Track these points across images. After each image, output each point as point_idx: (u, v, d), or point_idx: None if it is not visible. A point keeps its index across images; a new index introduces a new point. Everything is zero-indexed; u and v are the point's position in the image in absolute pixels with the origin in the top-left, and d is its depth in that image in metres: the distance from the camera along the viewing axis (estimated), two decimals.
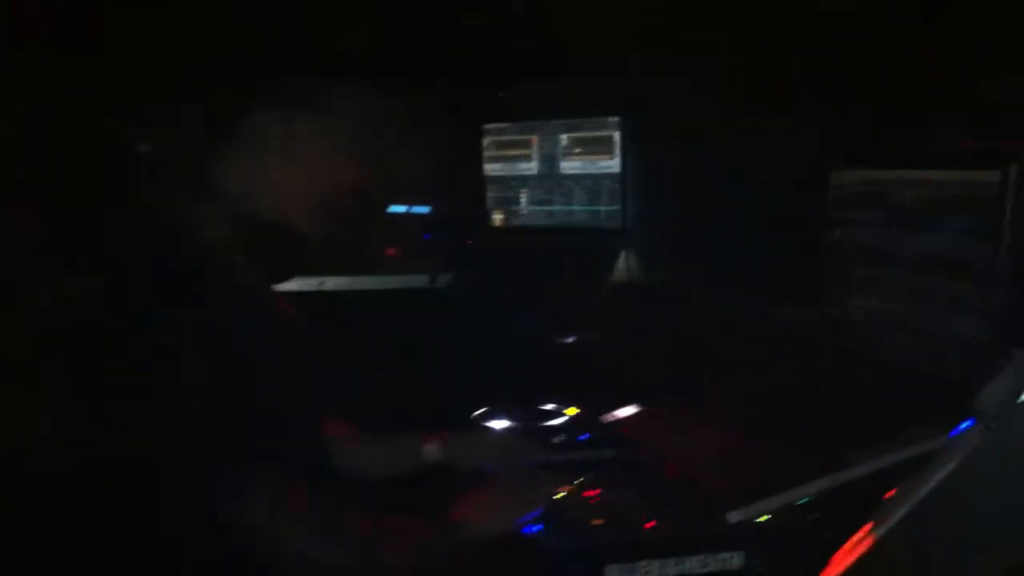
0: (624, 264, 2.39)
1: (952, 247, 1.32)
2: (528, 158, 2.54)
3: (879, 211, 1.47)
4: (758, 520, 1.14)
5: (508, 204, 2.59)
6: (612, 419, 1.92)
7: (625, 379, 1.99)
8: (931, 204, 1.36)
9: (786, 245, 1.78)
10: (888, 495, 0.84)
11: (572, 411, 2.01)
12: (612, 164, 2.39)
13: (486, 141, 2.59)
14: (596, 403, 1.95)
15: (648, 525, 1.41)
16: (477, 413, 1.97)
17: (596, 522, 1.45)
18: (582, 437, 1.87)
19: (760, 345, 1.70)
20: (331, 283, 2.50)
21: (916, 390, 1.27)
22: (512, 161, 2.57)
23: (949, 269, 1.31)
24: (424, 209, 2.93)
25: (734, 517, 1.10)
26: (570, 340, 2.27)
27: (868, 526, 0.77)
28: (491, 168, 2.60)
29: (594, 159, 2.42)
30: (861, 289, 1.52)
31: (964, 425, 0.79)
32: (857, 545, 0.79)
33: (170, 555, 1.07)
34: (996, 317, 1.20)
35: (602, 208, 2.41)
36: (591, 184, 2.43)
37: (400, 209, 2.89)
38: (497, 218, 2.61)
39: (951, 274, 1.31)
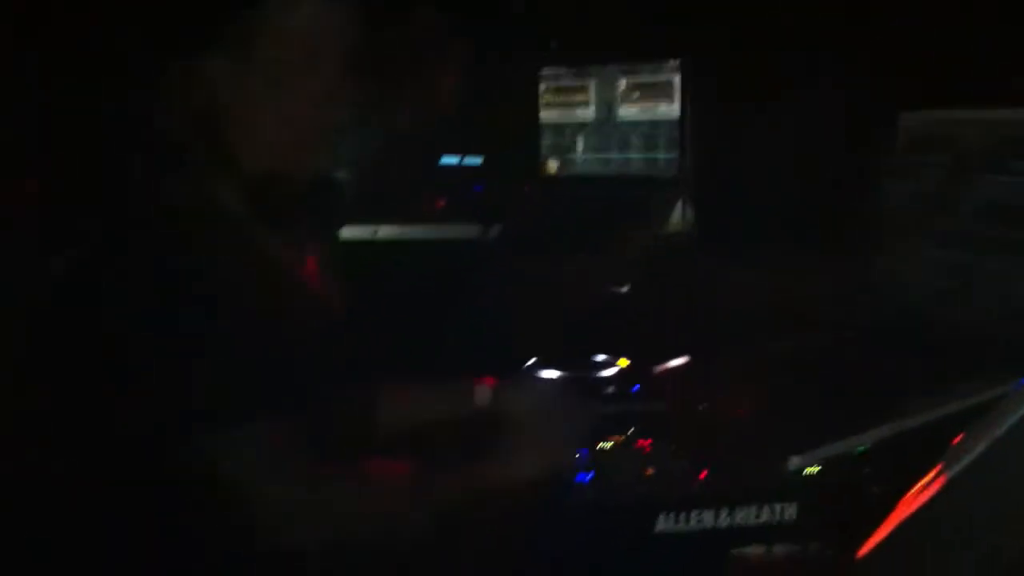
0: (680, 214, 2.33)
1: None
2: (585, 104, 2.48)
3: (946, 155, 1.40)
4: (812, 472, 1.10)
5: (564, 152, 2.54)
6: (664, 371, 1.90)
7: (677, 332, 1.95)
8: (1003, 145, 1.30)
9: (848, 194, 1.72)
10: (956, 441, 0.80)
11: (623, 363, 1.99)
12: (671, 110, 2.33)
13: (542, 87, 2.54)
14: (648, 355, 1.92)
15: (700, 476, 1.39)
16: (528, 364, 1.95)
17: (647, 472, 1.43)
18: (634, 388, 1.85)
19: (817, 298, 1.65)
20: (384, 232, 2.49)
21: (982, 344, 1.22)
22: (568, 107, 2.52)
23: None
24: (476, 160, 2.90)
25: (788, 467, 1.07)
26: (624, 291, 2.23)
27: (938, 468, 0.74)
28: (547, 115, 2.56)
29: (652, 105, 2.36)
30: (927, 238, 1.45)
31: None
32: (926, 488, 0.76)
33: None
34: None
35: (660, 156, 2.36)
36: (649, 131, 2.37)
37: (453, 160, 2.87)
38: (552, 166, 2.57)
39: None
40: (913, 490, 0.81)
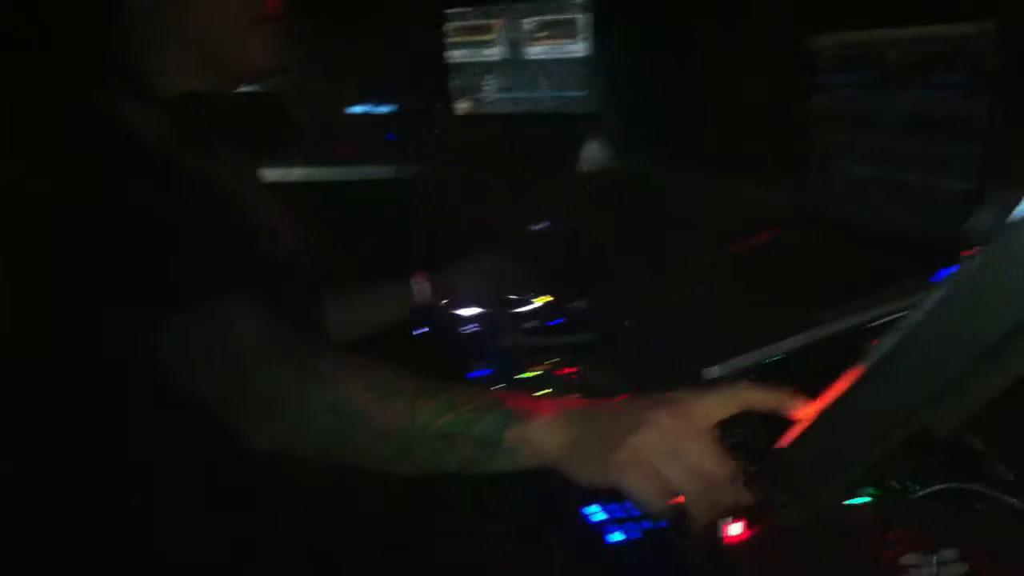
0: (593, 150, 2.34)
1: (939, 105, 1.28)
2: (492, 43, 2.46)
3: (860, 74, 1.43)
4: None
5: (473, 92, 2.52)
6: (584, 302, 1.91)
7: (597, 263, 1.97)
8: (916, 63, 1.32)
9: (764, 119, 1.74)
10: (875, 343, 0.82)
11: (545, 298, 2.00)
12: (578, 48, 2.32)
13: (449, 27, 2.51)
14: (568, 288, 1.93)
15: (622, 398, 1.41)
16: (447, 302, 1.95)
17: (568, 398, 1.45)
18: (556, 321, 1.86)
19: (734, 219, 1.67)
20: (297, 174, 2.46)
21: (897, 252, 1.25)
22: (476, 47, 2.49)
23: (936, 128, 1.27)
24: (387, 108, 2.86)
25: (708, 375, 1.09)
26: (540, 228, 2.23)
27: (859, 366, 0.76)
28: (454, 55, 2.53)
29: (560, 43, 2.35)
30: (844, 155, 1.48)
31: (947, 271, 0.77)
32: (845, 380, 0.78)
33: None
34: (985, 173, 1.17)
35: (569, 94, 2.35)
36: (557, 69, 2.36)
37: (361, 109, 2.83)
38: (462, 107, 2.54)
39: (938, 133, 1.28)
40: (832, 386, 0.83)
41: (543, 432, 0.89)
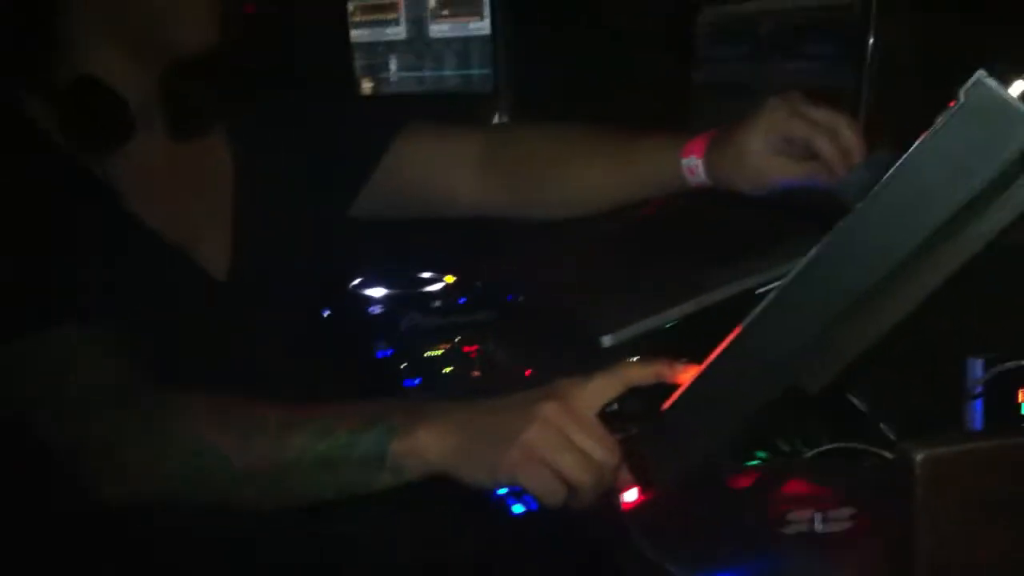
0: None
1: (818, 75, 1.31)
2: (395, 22, 2.44)
3: (744, 45, 1.46)
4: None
5: (377, 71, 2.50)
6: (484, 280, 1.92)
7: (499, 241, 1.98)
8: (795, 33, 1.36)
9: (660, 94, 1.77)
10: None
11: (449, 278, 2.01)
12: (482, 26, 2.31)
13: (351, 6, 2.48)
14: (471, 267, 1.94)
15: (527, 374, 1.42)
16: (354, 283, 1.94)
17: (474, 374, 1.46)
18: (460, 300, 1.86)
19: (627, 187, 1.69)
20: None
21: (778, 217, 1.28)
22: (379, 26, 2.47)
23: (813, 97, 1.31)
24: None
25: (605, 342, 1.10)
26: None
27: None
28: (357, 34, 2.50)
29: (463, 20, 2.34)
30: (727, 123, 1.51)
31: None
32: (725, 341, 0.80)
33: None
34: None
35: (474, 72, 2.35)
36: (461, 48, 2.35)
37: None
38: (366, 86, 2.52)
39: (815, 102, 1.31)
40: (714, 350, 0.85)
41: (428, 442, 0.86)
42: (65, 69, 1.05)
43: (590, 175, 1.25)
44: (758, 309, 0.75)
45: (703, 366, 0.82)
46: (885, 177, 0.68)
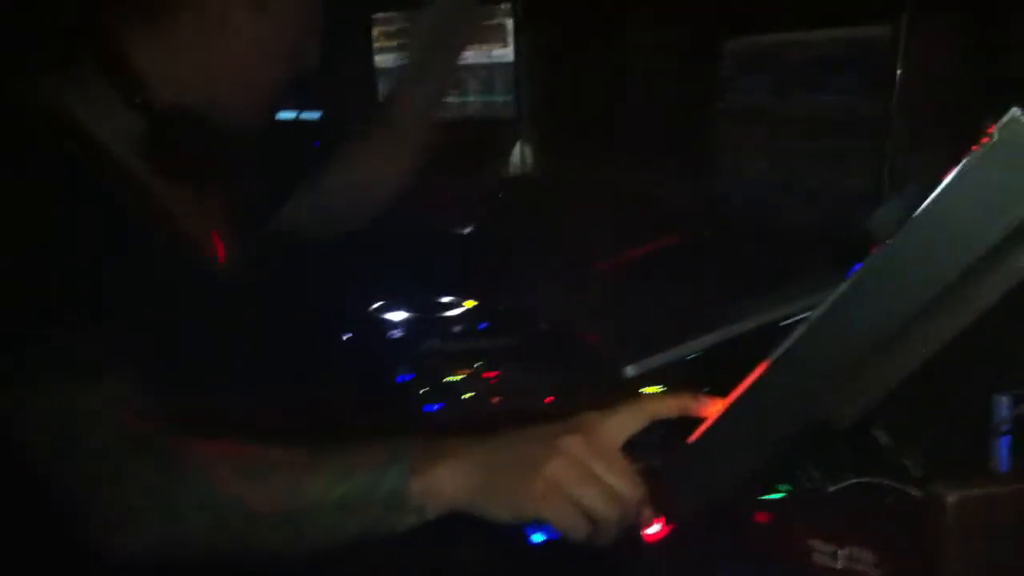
0: (519, 154, 2.35)
1: (842, 106, 1.31)
2: None
3: (768, 76, 1.46)
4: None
5: None
6: (508, 307, 1.92)
7: (521, 268, 1.98)
8: (819, 64, 1.35)
9: (684, 123, 1.77)
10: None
11: (469, 303, 2.01)
12: (506, 53, 2.33)
13: (375, 31, 2.50)
14: (493, 293, 1.94)
15: (547, 400, 1.41)
16: (374, 307, 1.94)
17: (493, 400, 1.45)
18: (480, 326, 1.86)
19: (651, 220, 1.69)
20: None
21: (805, 250, 1.28)
22: (403, 52, 2.48)
23: (839, 129, 1.31)
24: (314, 115, 2.84)
25: (629, 372, 1.09)
26: (466, 232, 2.24)
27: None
28: (382, 60, 2.52)
29: (487, 48, 2.35)
30: (755, 155, 1.51)
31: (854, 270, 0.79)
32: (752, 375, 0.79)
33: None
34: (886, 173, 1.21)
35: (497, 98, 2.36)
36: (485, 74, 2.37)
37: (289, 115, 2.79)
38: None
39: (841, 133, 1.31)
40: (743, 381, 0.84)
41: (449, 479, 0.84)
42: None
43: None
44: (787, 343, 0.75)
45: (730, 399, 0.81)
46: (918, 212, 0.67)
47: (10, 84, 1.00)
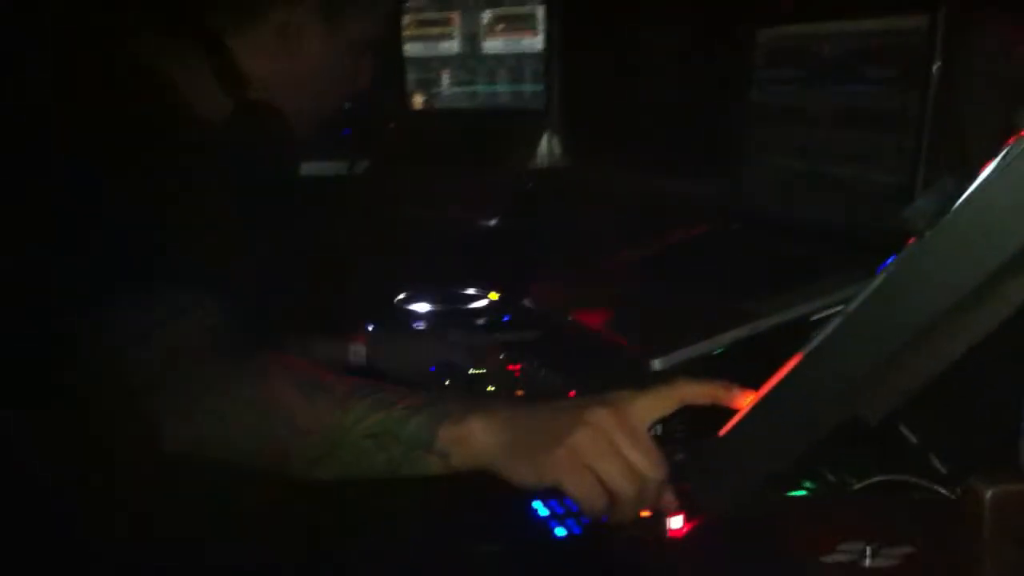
0: (547, 145, 2.34)
1: (876, 98, 1.29)
2: (450, 37, 2.45)
3: (802, 68, 1.43)
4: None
5: (429, 86, 2.51)
6: (532, 299, 1.91)
7: (547, 261, 1.97)
8: (853, 56, 1.33)
9: (714, 113, 1.75)
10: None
11: (493, 295, 2.00)
12: (536, 42, 2.31)
13: (405, 19, 2.50)
14: (518, 285, 1.94)
15: (571, 394, 1.41)
16: (398, 298, 1.94)
17: (518, 394, 1.45)
18: (504, 318, 1.86)
19: (679, 214, 1.68)
20: None
21: (836, 245, 1.26)
22: (433, 40, 2.48)
23: (871, 122, 1.28)
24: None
25: (655, 366, 1.09)
26: (494, 224, 2.23)
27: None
28: (411, 49, 2.51)
29: (517, 37, 2.34)
30: (786, 148, 1.49)
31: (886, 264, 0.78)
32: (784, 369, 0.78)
33: None
34: (920, 167, 1.18)
35: (526, 88, 2.35)
36: (514, 64, 2.36)
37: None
38: (418, 101, 2.53)
39: (874, 127, 1.29)
40: (774, 376, 0.83)
41: (478, 433, 0.86)
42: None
43: None
44: (822, 336, 0.74)
45: (762, 393, 0.80)
46: (957, 204, 0.66)
47: (123, 42, 1.12)
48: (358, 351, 1.55)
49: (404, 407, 0.88)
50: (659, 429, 0.91)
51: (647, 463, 0.84)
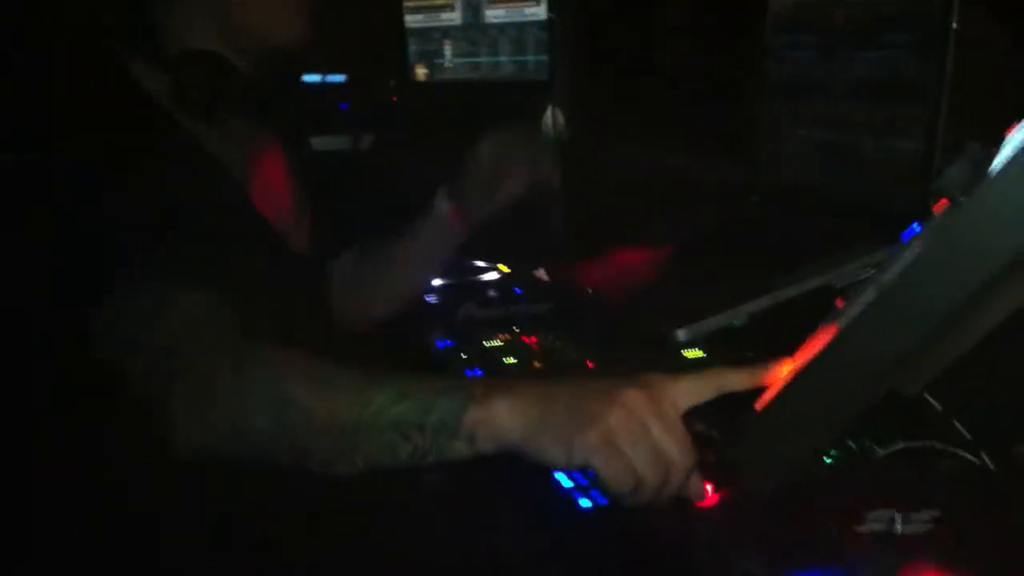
0: (551, 117, 2.32)
1: (895, 67, 1.28)
2: (451, 7, 2.42)
3: (816, 36, 1.42)
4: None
5: (431, 57, 2.49)
6: (545, 272, 1.91)
7: (556, 232, 1.96)
8: (871, 23, 1.32)
9: (723, 82, 1.74)
10: (839, 302, 0.83)
11: (504, 268, 2.00)
12: (538, 11, 2.29)
13: None
14: (528, 257, 1.93)
15: (589, 366, 1.41)
16: None
17: (535, 365, 1.45)
18: (516, 291, 1.86)
19: (692, 186, 1.67)
20: None
21: (855, 216, 1.25)
22: (434, 11, 2.45)
23: (890, 90, 1.27)
24: (339, 77, 2.82)
25: (679, 336, 1.08)
26: None
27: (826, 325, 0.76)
28: (412, 19, 2.49)
29: (519, 6, 2.32)
30: (801, 120, 1.48)
31: (911, 231, 0.77)
32: (818, 341, 0.78)
33: None
34: (938, 135, 1.18)
35: (529, 59, 2.32)
36: (517, 33, 2.33)
37: (315, 78, 2.78)
38: (420, 72, 2.51)
39: (892, 95, 1.28)
40: (805, 347, 0.83)
41: (504, 413, 0.84)
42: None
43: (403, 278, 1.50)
44: (859, 308, 0.73)
45: (799, 367, 0.79)
46: (992, 172, 0.65)
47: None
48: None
49: (426, 393, 0.86)
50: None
51: (677, 452, 0.82)
